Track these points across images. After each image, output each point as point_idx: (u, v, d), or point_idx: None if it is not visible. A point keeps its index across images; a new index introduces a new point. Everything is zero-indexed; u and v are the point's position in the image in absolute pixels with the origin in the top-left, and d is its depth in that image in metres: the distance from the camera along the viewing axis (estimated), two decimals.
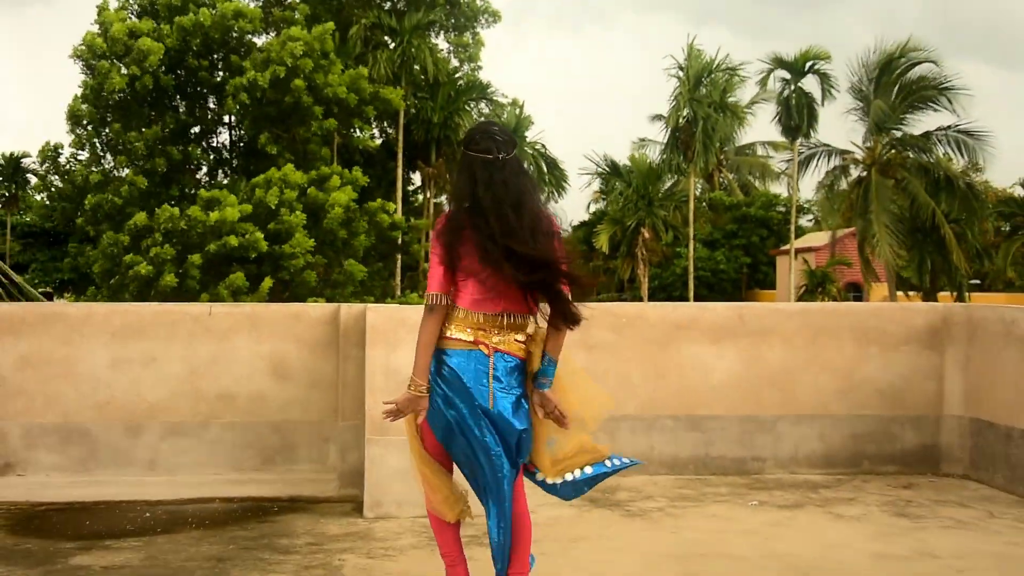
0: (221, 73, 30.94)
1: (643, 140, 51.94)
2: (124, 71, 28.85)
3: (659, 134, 47.51)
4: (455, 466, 3.81)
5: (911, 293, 40.02)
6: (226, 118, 31.99)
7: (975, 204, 37.93)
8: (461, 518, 3.86)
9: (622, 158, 51.73)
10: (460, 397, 3.61)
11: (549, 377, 3.68)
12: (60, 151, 31.42)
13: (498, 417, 3.59)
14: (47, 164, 31.48)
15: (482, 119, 43.10)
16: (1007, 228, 47.39)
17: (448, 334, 3.66)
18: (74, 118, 30.14)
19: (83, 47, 29.39)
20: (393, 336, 5.77)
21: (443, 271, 3.65)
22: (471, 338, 3.63)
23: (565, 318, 3.60)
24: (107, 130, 29.83)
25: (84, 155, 30.92)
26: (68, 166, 31.14)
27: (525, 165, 3.84)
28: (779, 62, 43.03)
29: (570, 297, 3.61)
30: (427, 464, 3.78)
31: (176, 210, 26.05)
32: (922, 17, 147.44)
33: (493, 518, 3.66)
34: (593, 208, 57.45)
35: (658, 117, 47.00)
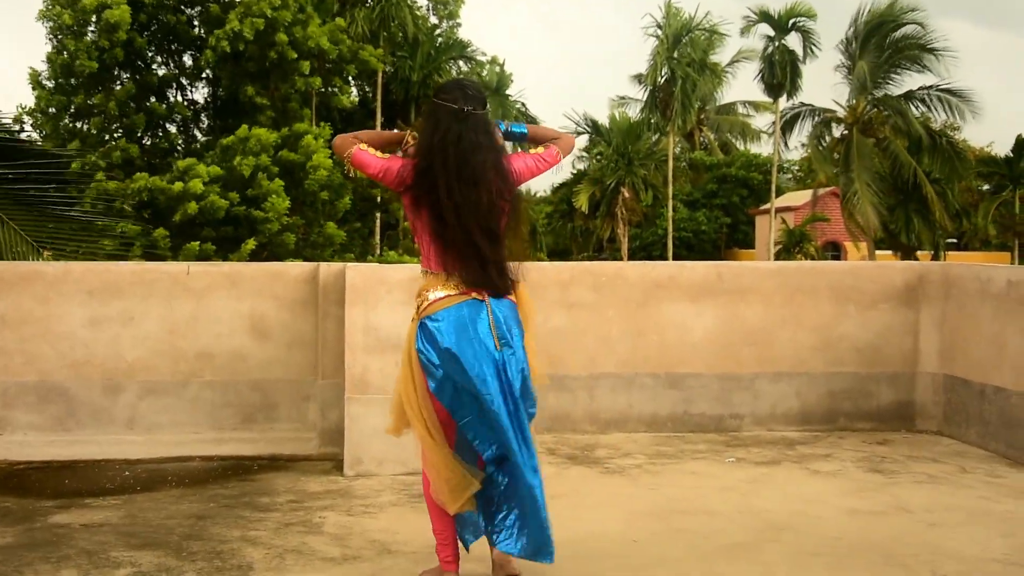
0: (198, 27, 30.46)
1: (623, 98, 51.78)
2: (94, 38, 28.21)
3: (640, 93, 47.43)
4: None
5: (885, 253, 40.23)
6: (204, 73, 31.51)
7: (956, 163, 38.12)
8: (463, 510, 3.74)
9: (606, 117, 51.57)
10: (456, 359, 3.50)
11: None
12: (23, 120, 30.58)
13: (503, 363, 3.51)
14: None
15: (461, 77, 42.93)
16: (985, 187, 47.66)
17: (434, 296, 3.57)
18: (42, 97, 29.48)
19: (47, 10, 28.69)
20: (372, 295, 5.76)
21: (378, 168, 3.66)
22: (458, 290, 3.55)
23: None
24: (77, 97, 29.17)
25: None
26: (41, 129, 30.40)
27: (500, 124, 3.80)
28: (764, 15, 42.86)
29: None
30: (433, 446, 3.62)
31: (156, 179, 25.64)
32: None
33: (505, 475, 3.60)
34: (577, 167, 57.34)
35: (638, 78, 46.86)
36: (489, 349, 3.50)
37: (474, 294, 3.55)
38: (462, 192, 3.49)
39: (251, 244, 25.10)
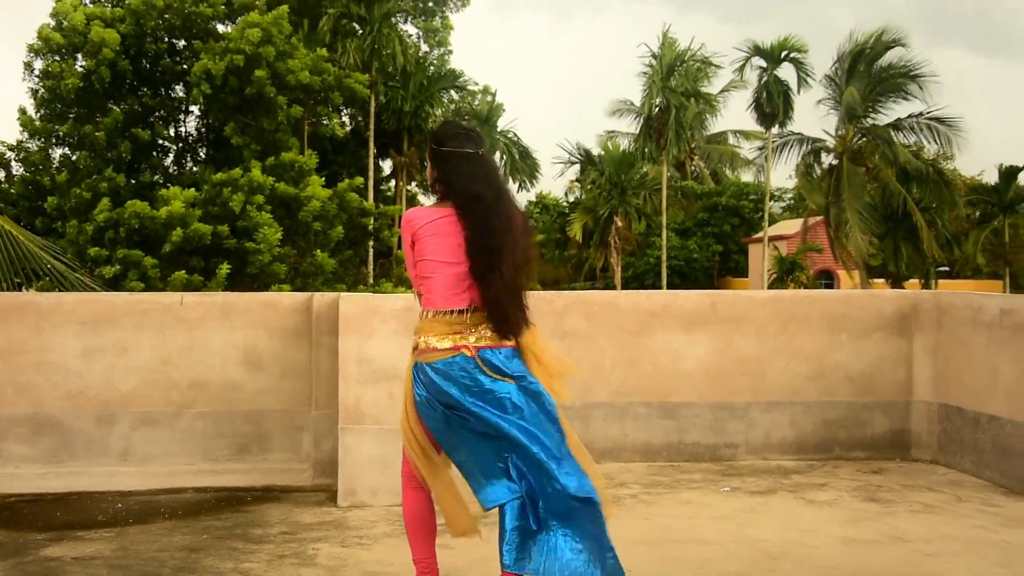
0: (184, 61, 30.48)
1: (611, 132, 52.08)
2: (81, 64, 28.15)
3: (627, 126, 47.76)
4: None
5: (877, 281, 40.38)
6: (193, 107, 31.48)
7: (945, 192, 38.32)
8: (470, 534, 3.74)
9: (597, 146, 51.82)
10: (451, 400, 3.53)
11: None
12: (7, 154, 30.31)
13: (499, 398, 3.52)
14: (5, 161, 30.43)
15: (453, 107, 43.11)
16: (976, 215, 47.90)
17: (424, 345, 3.60)
18: (30, 128, 29.35)
19: (39, 42, 28.59)
20: (366, 325, 5.76)
21: (410, 263, 3.76)
22: (449, 345, 3.56)
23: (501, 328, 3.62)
24: (64, 126, 28.99)
25: (48, 149, 30.00)
26: (28, 165, 30.10)
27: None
28: (756, 49, 43.21)
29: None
30: (431, 469, 3.67)
31: (145, 205, 25.59)
32: (909, 2, 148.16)
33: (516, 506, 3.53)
34: (570, 198, 57.45)
35: (619, 111, 47.17)
36: (486, 386, 3.53)
37: (464, 350, 3.56)
38: (500, 228, 3.56)
39: (225, 268, 25.00)
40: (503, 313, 3.58)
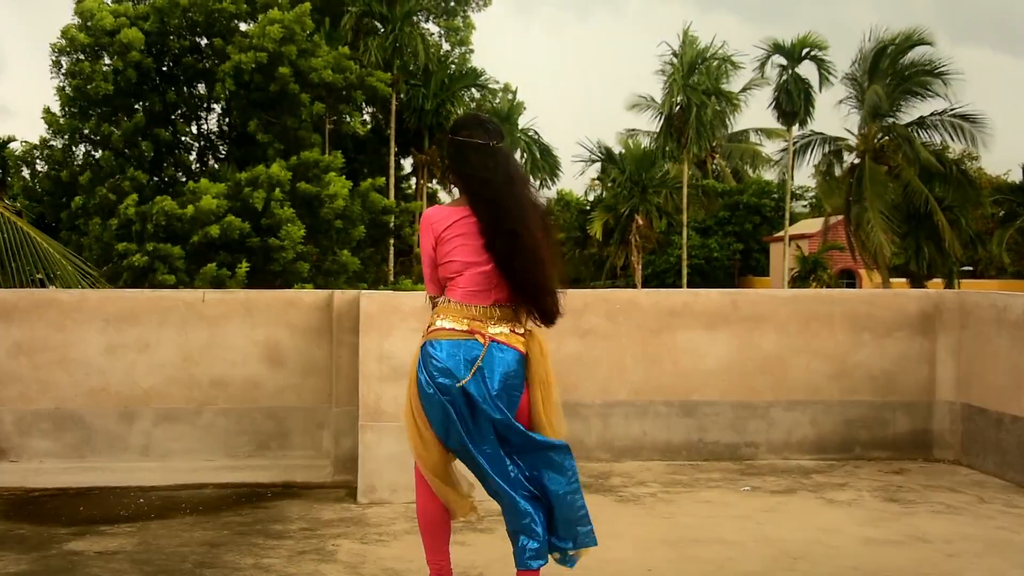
0: (208, 59, 30.58)
1: (631, 131, 51.99)
2: (108, 63, 28.24)
3: (646, 123, 47.69)
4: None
5: (899, 280, 40.11)
6: (215, 104, 31.57)
7: (969, 191, 38.04)
8: (469, 516, 3.82)
9: (619, 145, 51.74)
10: (450, 383, 3.57)
11: None
12: (34, 152, 30.39)
13: (480, 402, 3.56)
14: (28, 159, 30.54)
15: (474, 105, 43.17)
16: (1001, 214, 47.52)
17: (440, 324, 3.62)
18: (55, 127, 29.46)
19: (63, 41, 28.66)
20: (386, 323, 5.77)
21: (432, 271, 3.73)
22: (465, 327, 3.58)
23: (542, 316, 3.67)
24: (88, 123, 29.07)
25: (71, 148, 30.07)
26: (53, 163, 30.19)
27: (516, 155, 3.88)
28: (776, 47, 43.05)
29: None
30: (431, 468, 3.71)
31: (175, 204, 25.71)
32: (929, 1, 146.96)
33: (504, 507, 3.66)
34: (591, 196, 57.37)
35: (639, 105, 47.09)
36: (469, 386, 3.56)
37: (478, 336, 3.58)
38: (515, 213, 3.56)
39: (244, 266, 25.10)
40: (535, 298, 3.61)
